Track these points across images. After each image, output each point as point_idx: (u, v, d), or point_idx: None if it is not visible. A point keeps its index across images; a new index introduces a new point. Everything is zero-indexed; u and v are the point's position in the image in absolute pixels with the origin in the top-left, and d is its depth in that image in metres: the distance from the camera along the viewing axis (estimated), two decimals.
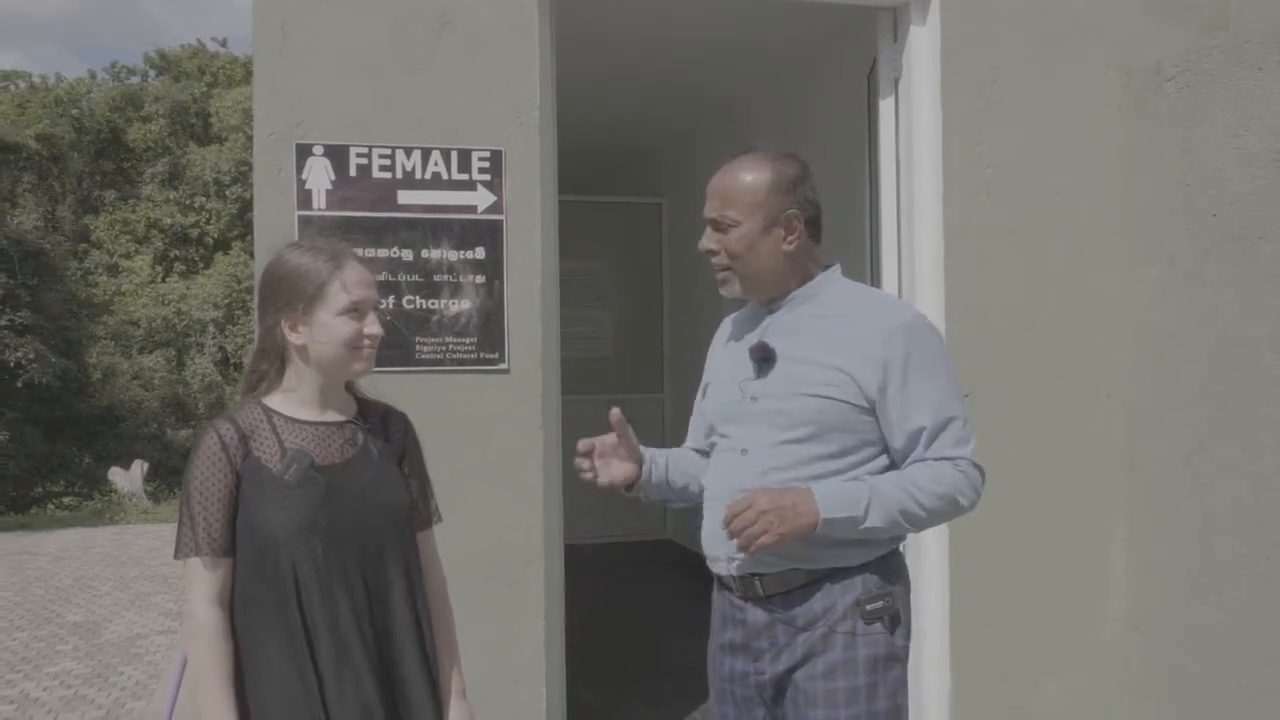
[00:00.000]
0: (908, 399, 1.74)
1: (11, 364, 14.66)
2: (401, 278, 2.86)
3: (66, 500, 15.81)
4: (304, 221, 2.80)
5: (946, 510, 1.77)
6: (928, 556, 3.30)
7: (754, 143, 1.90)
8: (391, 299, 2.84)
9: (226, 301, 21.80)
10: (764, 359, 1.81)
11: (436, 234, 2.88)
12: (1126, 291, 3.37)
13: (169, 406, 19.46)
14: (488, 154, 2.91)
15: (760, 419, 1.80)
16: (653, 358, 7.34)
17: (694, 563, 6.73)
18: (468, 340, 2.90)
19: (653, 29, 4.52)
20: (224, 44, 26.60)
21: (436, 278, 2.89)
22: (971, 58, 3.28)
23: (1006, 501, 3.28)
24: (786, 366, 1.78)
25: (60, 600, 7.06)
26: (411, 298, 2.86)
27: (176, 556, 1.65)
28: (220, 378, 21.38)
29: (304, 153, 2.80)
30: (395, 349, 2.79)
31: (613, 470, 1.90)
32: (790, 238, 1.81)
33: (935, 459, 1.75)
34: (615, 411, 1.84)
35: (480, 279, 2.92)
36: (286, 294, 1.68)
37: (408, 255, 2.87)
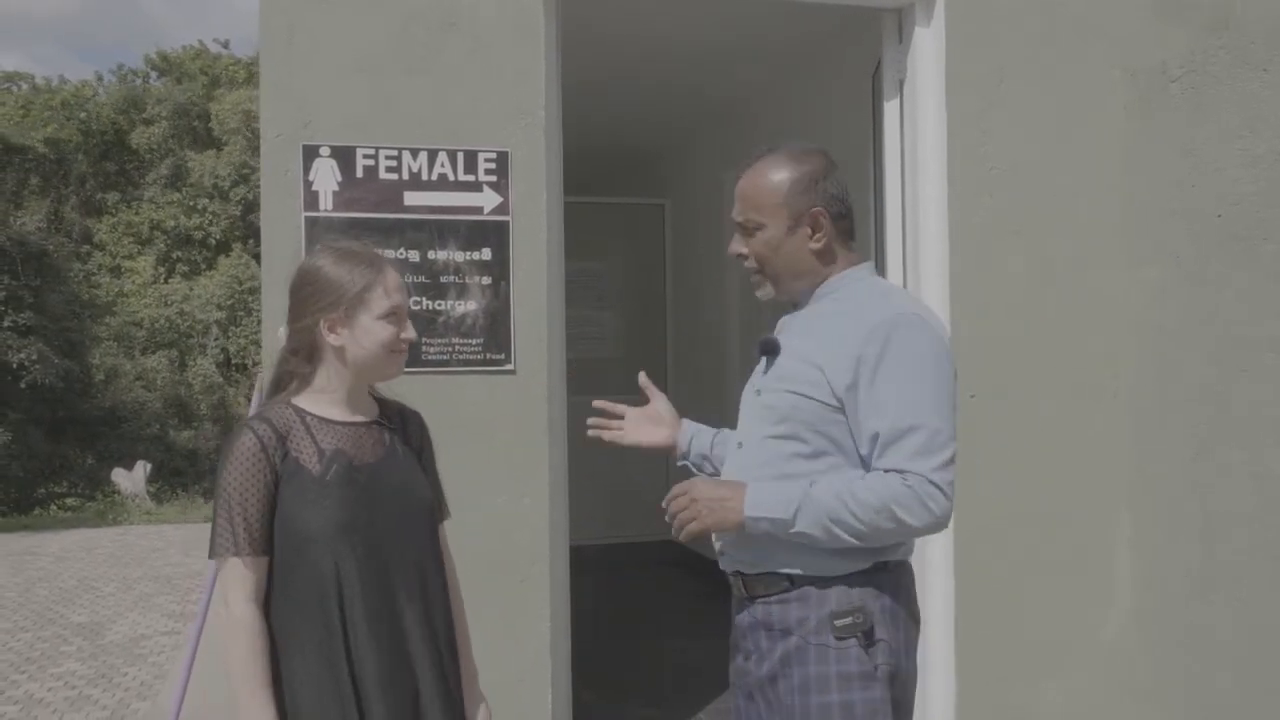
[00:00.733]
0: (872, 400, 1.63)
1: (14, 365, 14.68)
2: (408, 279, 2.86)
3: (69, 501, 15.83)
4: (310, 223, 2.81)
5: (886, 526, 1.61)
6: (932, 557, 3.31)
7: (779, 142, 1.86)
8: None
9: (229, 303, 21.82)
10: (766, 353, 1.81)
11: (443, 235, 2.89)
12: (1128, 291, 3.38)
13: (171, 407, 19.48)
14: (494, 155, 2.92)
15: (757, 413, 1.81)
16: (655, 358, 7.34)
17: (696, 564, 6.78)
18: (474, 341, 2.91)
19: (655, 29, 4.53)
20: (226, 45, 26.64)
21: (443, 279, 2.90)
22: (976, 59, 3.29)
23: (1009, 502, 3.29)
24: (782, 362, 1.78)
25: (64, 601, 7.07)
26: (418, 299, 2.87)
27: (212, 556, 1.66)
28: (222, 379, 21.40)
29: (310, 154, 2.81)
30: None
31: (641, 433, 2.03)
32: (817, 235, 1.77)
33: (885, 469, 1.63)
34: (643, 376, 1.91)
35: (486, 280, 2.92)
36: (329, 296, 1.71)
37: (414, 256, 2.88)
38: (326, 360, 1.74)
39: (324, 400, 1.74)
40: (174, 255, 23.27)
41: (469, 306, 2.91)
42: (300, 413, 1.72)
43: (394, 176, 2.86)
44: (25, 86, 23.92)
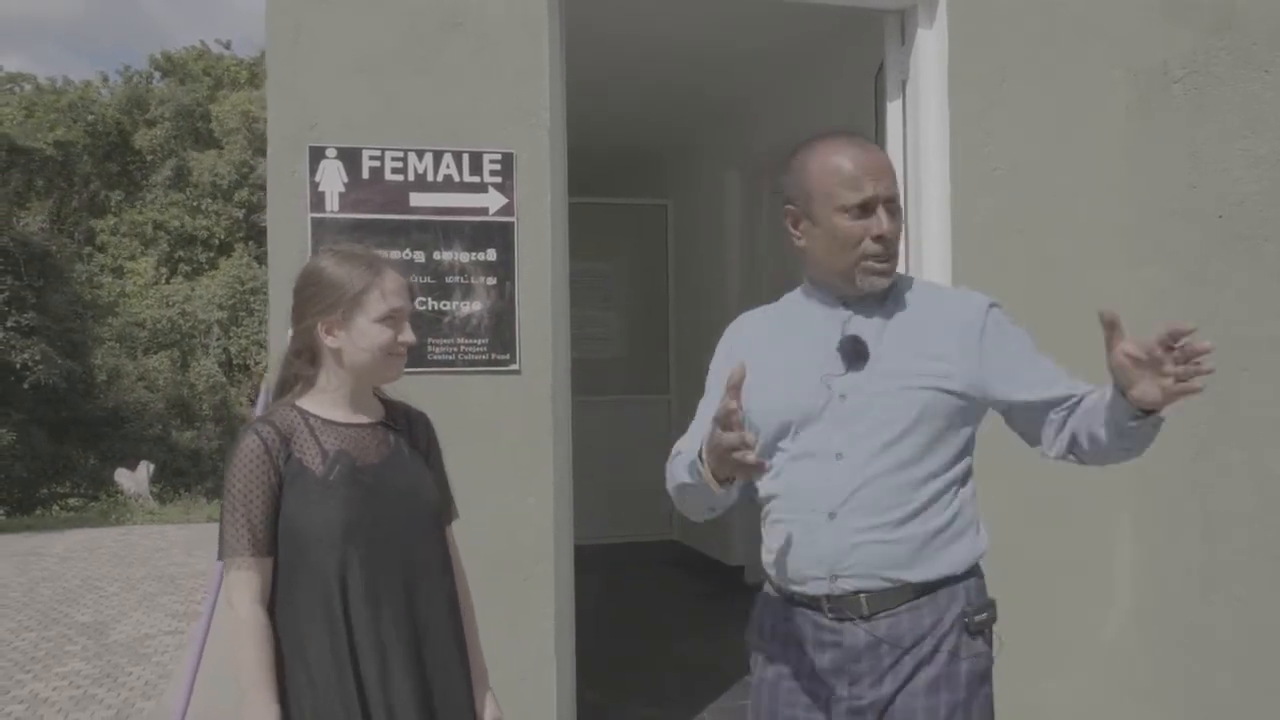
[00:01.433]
0: (1030, 356, 1.75)
1: (18, 365, 14.70)
2: (414, 279, 2.88)
3: (71, 502, 15.86)
4: (317, 224, 2.82)
5: None
6: None
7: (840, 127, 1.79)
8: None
9: (231, 303, 21.85)
10: (857, 354, 1.68)
11: (448, 236, 2.91)
12: (1129, 291, 3.39)
13: (174, 408, 19.51)
14: (499, 156, 2.93)
15: (852, 417, 1.67)
16: (658, 359, 7.36)
17: (698, 564, 6.76)
18: (479, 341, 2.92)
19: (657, 30, 4.55)
20: (228, 46, 26.70)
21: (448, 279, 2.91)
22: (978, 60, 3.30)
23: (1010, 501, 3.29)
24: (883, 362, 1.67)
25: (68, 601, 7.09)
26: (424, 299, 2.88)
27: (220, 557, 1.67)
28: (225, 379, 21.43)
29: (317, 155, 2.82)
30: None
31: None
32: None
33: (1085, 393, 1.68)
34: (741, 366, 1.46)
35: (492, 280, 2.94)
36: (327, 298, 1.72)
37: (420, 257, 2.89)
38: (327, 362, 1.75)
39: (327, 402, 1.76)
40: (176, 256, 23.32)
41: (474, 307, 2.93)
42: (304, 414, 1.74)
43: (400, 178, 2.88)
44: (28, 87, 23.95)
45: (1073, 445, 1.69)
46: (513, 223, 2.96)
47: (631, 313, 7.34)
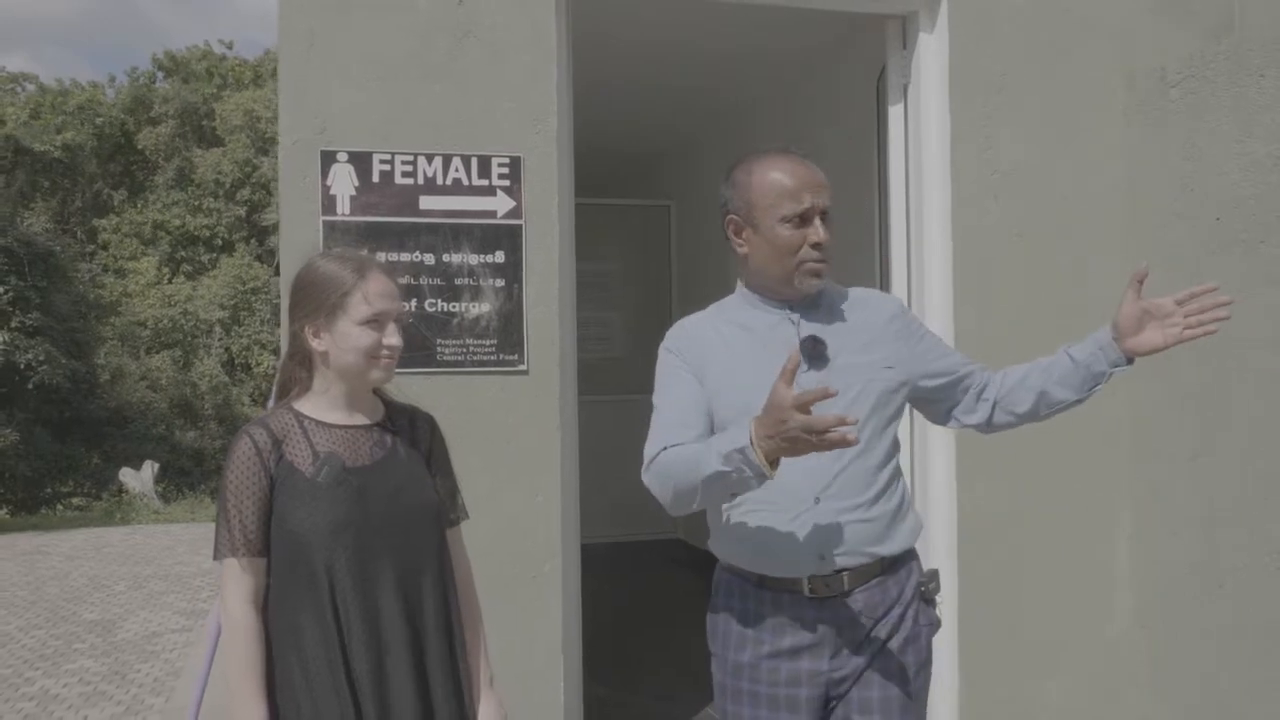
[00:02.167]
0: (938, 345, 2.00)
1: (22, 365, 14.75)
2: (424, 281, 2.92)
3: (75, 501, 15.91)
4: (328, 227, 2.87)
5: None
6: (935, 553, 3.36)
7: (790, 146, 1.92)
8: (414, 302, 2.90)
9: (232, 302, 21.91)
10: (817, 353, 1.82)
11: (457, 238, 2.95)
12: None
13: (176, 408, 19.55)
14: (507, 160, 2.98)
15: (822, 411, 1.69)
16: None
17: (702, 561, 6.79)
18: (488, 342, 2.97)
19: (661, 36, 4.59)
20: (230, 47, 26.70)
21: (457, 281, 2.96)
22: (979, 64, 3.34)
23: (1011, 500, 3.33)
24: (844, 358, 1.83)
25: (75, 599, 7.13)
26: (433, 301, 2.93)
27: (215, 558, 1.70)
28: (227, 379, 21.47)
29: (328, 159, 2.87)
30: (417, 351, 2.86)
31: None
32: None
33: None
34: (796, 352, 1.57)
35: (500, 282, 2.98)
36: (312, 301, 1.74)
37: (429, 259, 2.93)
38: (318, 365, 1.77)
39: (323, 404, 1.77)
40: (178, 255, 23.37)
41: (483, 308, 2.97)
42: (299, 417, 1.75)
43: (410, 181, 2.92)
44: (31, 87, 23.99)
45: (994, 411, 1.97)
46: (521, 225, 3.01)
47: (634, 313, 7.38)
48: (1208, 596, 3.16)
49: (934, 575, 1.95)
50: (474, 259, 2.97)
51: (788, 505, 1.80)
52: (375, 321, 1.73)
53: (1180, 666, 3.26)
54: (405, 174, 2.92)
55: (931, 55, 3.37)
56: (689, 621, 5.30)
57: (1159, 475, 3.35)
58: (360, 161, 2.89)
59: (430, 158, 2.93)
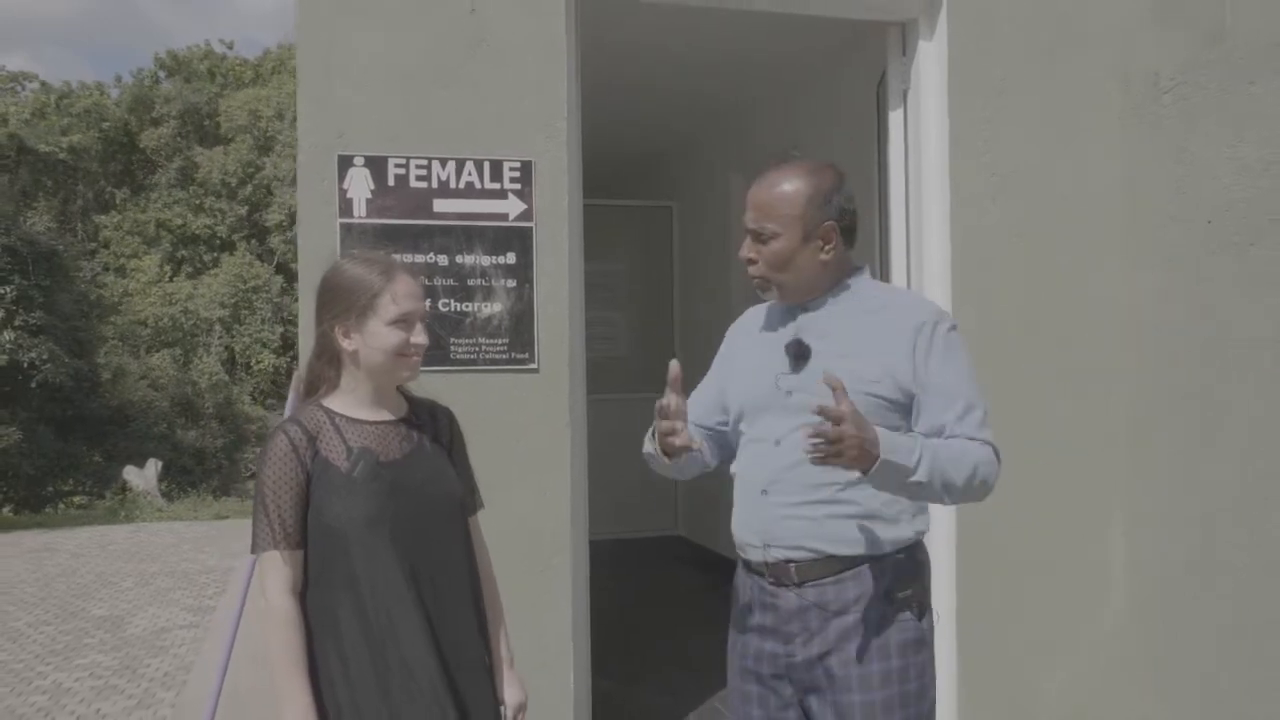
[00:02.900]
0: (943, 384, 1.83)
1: (25, 364, 14.81)
2: (437, 282, 3.00)
3: (76, 500, 15.96)
4: (345, 229, 2.94)
5: (975, 488, 1.83)
6: (936, 547, 3.41)
7: (793, 152, 1.99)
8: (428, 302, 2.97)
9: (233, 301, 21.96)
10: (800, 355, 1.86)
11: (470, 240, 3.03)
12: (1127, 293, 3.50)
13: (178, 406, 19.59)
14: (518, 164, 3.06)
15: (795, 412, 1.83)
16: (664, 357, 7.42)
17: (704, 558, 6.84)
18: (499, 341, 3.05)
19: (666, 42, 4.66)
20: (230, 47, 26.75)
21: (470, 282, 3.04)
22: (977, 70, 3.41)
23: (1012, 494, 3.36)
24: (823, 363, 1.81)
25: (83, 595, 7.19)
26: (447, 301, 3.01)
27: (254, 551, 1.77)
28: (228, 377, 21.51)
29: (345, 163, 2.95)
30: (432, 350, 2.92)
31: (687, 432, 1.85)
32: (828, 248, 1.87)
33: (965, 437, 1.83)
34: (674, 365, 1.79)
35: (511, 283, 3.06)
36: (342, 302, 1.81)
37: (443, 260, 3.01)
38: (346, 364, 1.84)
39: (351, 401, 1.84)
40: (179, 254, 23.41)
41: (495, 308, 3.05)
42: (330, 414, 1.82)
43: (424, 185, 3.00)
44: (32, 87, 24.03)
45: None
46: (531, 228, 3.09)
47: (637, 312, 7.45)
48: (1200, 590, 3.21)
49: (912, 582, 1.87)
50: (486, 260, 3.05)
51: (744, 495, 1.95)
52: (403, 321, 1.81)
53: (1178, 664, 3.32)
54: (420, 177, 2.99)
55: (931, 61, 3.45)
56: (690, 617, 5.41)
57: (1154, 472, 3.41)
58: (376, 165, 2.97)
59: (444, 162, 3.01)
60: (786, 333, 1.93)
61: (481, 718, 1.84)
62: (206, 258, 23.34)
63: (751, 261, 1.90)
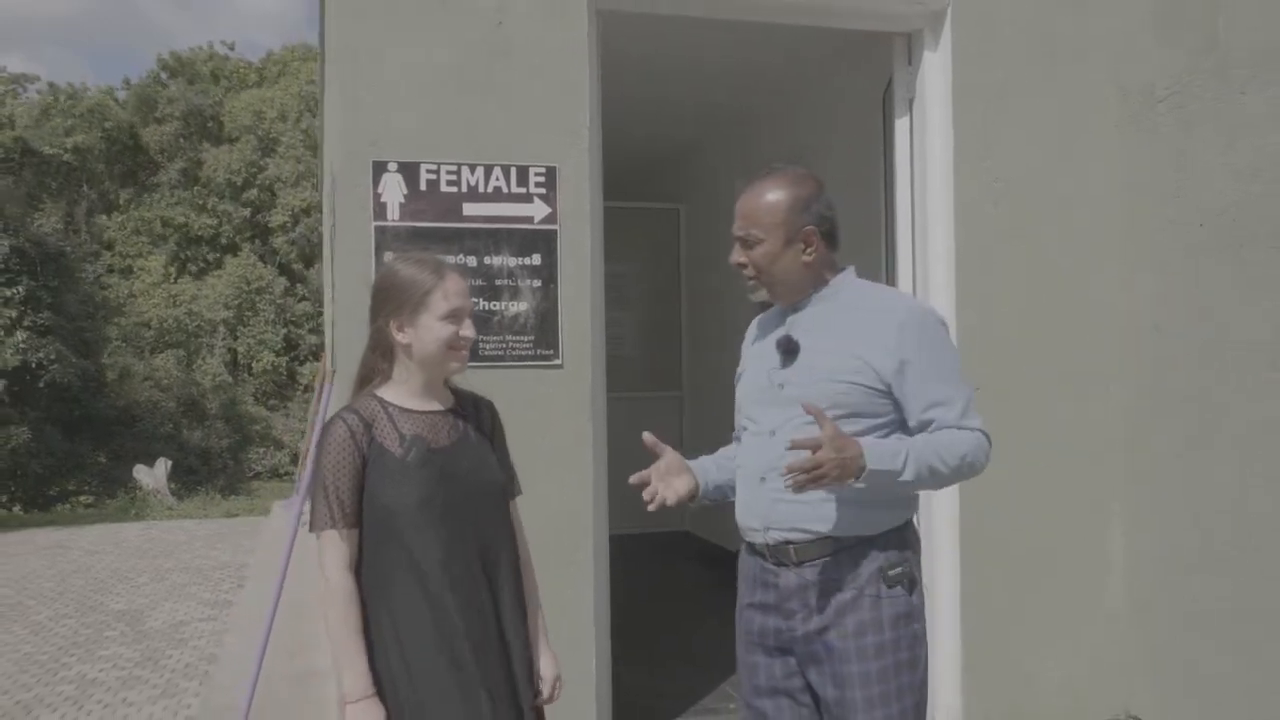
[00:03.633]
0: (922, 379, 1.95)
1: (34, 364, 14.91)
2: (467, 282, 3.14)
3: (83, 499, 16.06)
4: (379, 231, 3.08)
5: (964, 470, 1.97)
6: (940, 540, 3.53)
7: (776, 164, 2.12)
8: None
9: (237, 302, 22.04)
10: (788, 351, 2.03)
11: (498, 242, 3.17)
12: (1125, 295, 3.61)
13: (183, 407, 19.69)
14: (543, 170, 3.20)
15: (787, 403, 1.99)
16: (671, 357, 7.59)
17: (712, 554, 6.97)
18: (526, 338, 3.19)
19: (678, 51, 4.79)
20: (231, 48, 26.86)
21: (498, 282, 3.18)
22: (980, 79, 3.54)
23: (1014, 489, 3.49)
24: (809, 357, 1.99)
25: (101, 590, 7.29)
26: (476, 300, 3.14)
27: (312, 530, 1.91)
28: (231, 378, 21.59)
29: (379, 169, 3.09)
30: None
31: (674, 487, 2.05)
32: (809, 250, 2.02)
33: (952, 427, 1.97)
34: (647, 436, 2.05)
35: (536, 283, 3.21)
36: (397, 299, 1.95)
37: (472, 261, 3.16)
38: (400, 357, 1.97)
39: (403, 392, 1.98)
40: (183, 255, 23.49)
41: (521, 307, 3.19)
42: (383, 403, 1.96)
43: (454, 189, 3.14)
44: (34, 88, 24.11)
45: None
46: (556, 230, 3.23)
47: (645, 312, 7.57)
48: (1198, 580, 3.31)
49: (903, 561, 1.99)
50: (513, 261, 3.19)
51: (745, 482, 2.10)
52: (454, 315, 1.95)
53: (1170, 644, 3.43)
54: (450, 182, 3.13)
55: (935, 71, 3.57)
56: (699, 610, 5.52)
57: (1151, 468, 3.51)
58: (409, 171, 3.11)
59: (473, 167, 3.15)
60: (779, 332, 2.09)
61: (520, 684, 1.98)
62: (210, 258, 23.41)
63: (742, 265, 2.07)
